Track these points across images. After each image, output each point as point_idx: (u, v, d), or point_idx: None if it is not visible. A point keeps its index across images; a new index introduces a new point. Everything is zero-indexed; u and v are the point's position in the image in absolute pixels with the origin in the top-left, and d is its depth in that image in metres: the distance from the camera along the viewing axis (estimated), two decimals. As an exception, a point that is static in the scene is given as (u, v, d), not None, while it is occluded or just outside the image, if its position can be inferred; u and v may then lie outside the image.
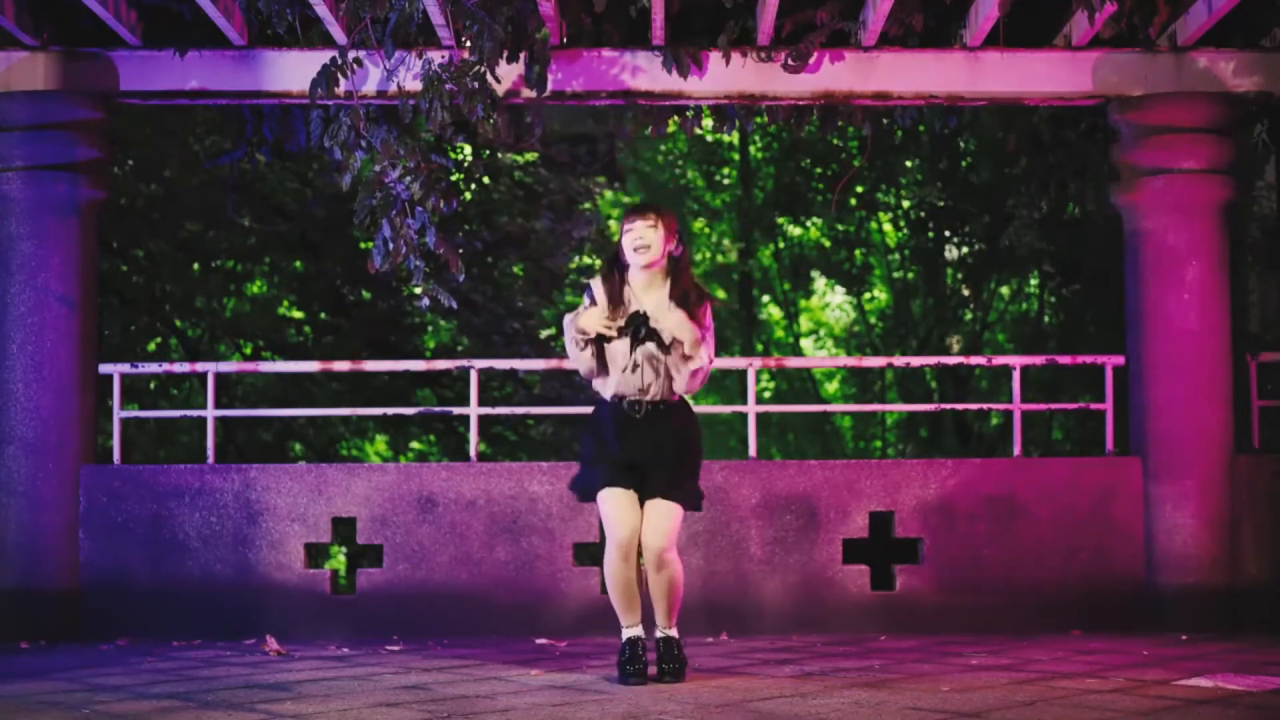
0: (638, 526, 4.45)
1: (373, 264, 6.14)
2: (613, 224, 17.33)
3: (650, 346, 4.45)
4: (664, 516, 4.44)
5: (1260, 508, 6.25)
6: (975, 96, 6.33)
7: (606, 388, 4.55)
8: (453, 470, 6.29)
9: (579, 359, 4.54)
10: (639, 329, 4.45)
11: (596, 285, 4.55)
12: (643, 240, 4.45)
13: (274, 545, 6.18)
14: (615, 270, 4.54)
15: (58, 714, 3.85)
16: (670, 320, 4.45)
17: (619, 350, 4.49)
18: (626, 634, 4.51)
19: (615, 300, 4.49)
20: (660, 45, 6.18)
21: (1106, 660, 4.92)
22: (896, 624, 6.15)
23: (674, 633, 4.53)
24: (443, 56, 6.07)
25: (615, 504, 4.46)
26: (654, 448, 4.48)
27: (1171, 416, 6.20)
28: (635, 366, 4.46)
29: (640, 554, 4.50)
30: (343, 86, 6.01)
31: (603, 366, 4.53)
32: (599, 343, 4.51)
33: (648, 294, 4.52)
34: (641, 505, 4.48)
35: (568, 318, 4.54)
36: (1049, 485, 6.27)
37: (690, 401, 4.69)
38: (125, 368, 6.58)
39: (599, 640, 5.85)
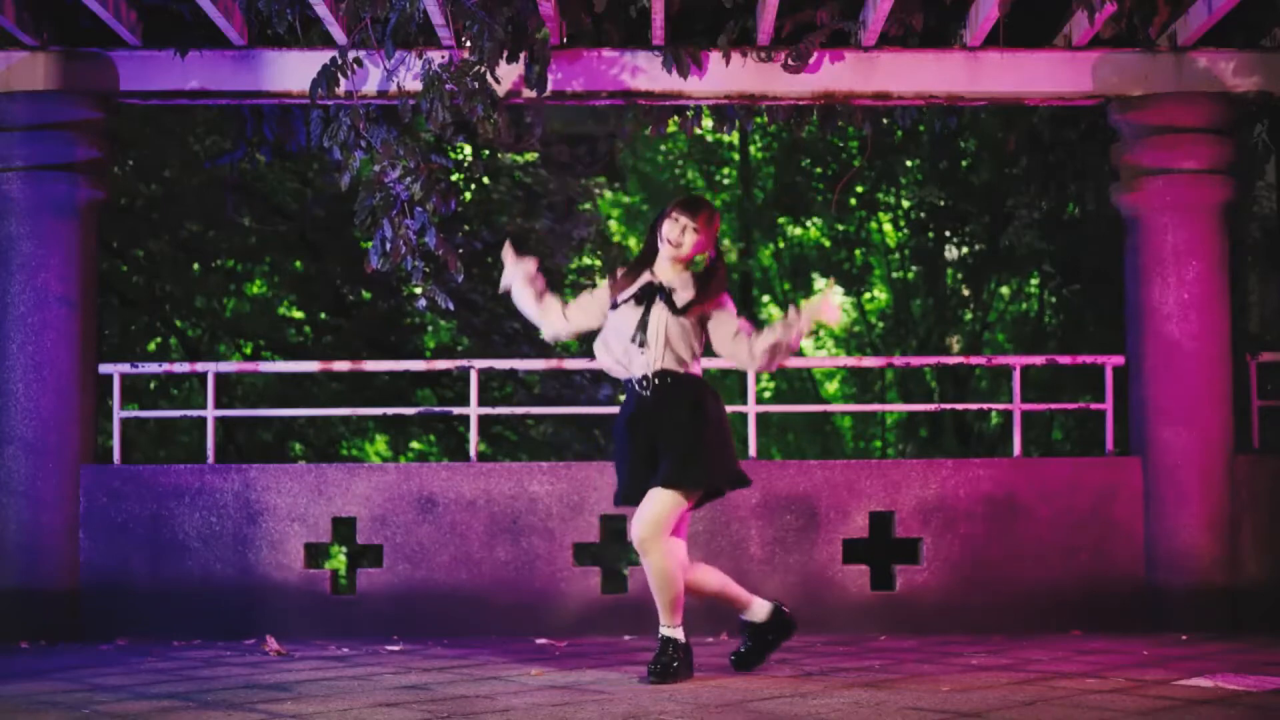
0: None
1: (369, 264, 6.15)
2: (613, 224, 17.35)
3: (659, 312, 4.45)
4: (648, 503, 4.40)
5: (1260, 508, 6.25)
6: (975, 96, 6.33)
7: (618, 368, 4.54)
8: (453, 470, 6.29)
9: (535, 318, 4.72)
10: (650, 291, 4.48)
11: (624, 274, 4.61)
12: (680, 238, 4.49)
13: (274, 545, 6.18)
14: (647, 250, 4.60)
15: (58, 714, 3.85)
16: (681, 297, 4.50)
17: (625, 321, 4.50)
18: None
19: (635, 272, 4.56)
20: (660, 45, 6.18)
21: (1106, 660, 4.92)
22: (896, 624, 6.15)
23: (672, 633, 4.45)
24: (443, 56, 6.07)
25: None
26: (669, 429, 4.44)
27: (1171, 416, 6.20)
28: (642, 331, 4.46)
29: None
30: (343, 86, 6.01)
31: (609, 342, 4.57)
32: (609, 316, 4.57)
33: (669, 274, 4.56)
34: None
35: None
36: (1049, 485, 6.27)
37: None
38: (125, 368, 6.58)
39: (599, 640, 5.84)
